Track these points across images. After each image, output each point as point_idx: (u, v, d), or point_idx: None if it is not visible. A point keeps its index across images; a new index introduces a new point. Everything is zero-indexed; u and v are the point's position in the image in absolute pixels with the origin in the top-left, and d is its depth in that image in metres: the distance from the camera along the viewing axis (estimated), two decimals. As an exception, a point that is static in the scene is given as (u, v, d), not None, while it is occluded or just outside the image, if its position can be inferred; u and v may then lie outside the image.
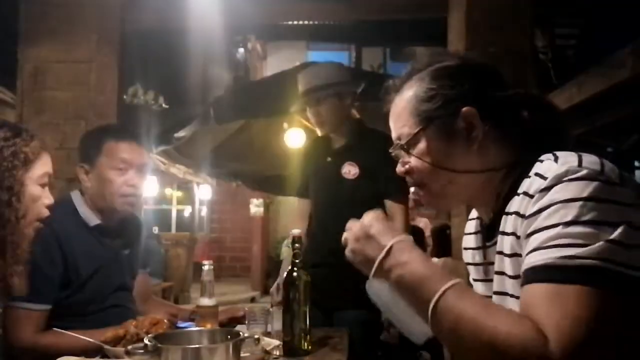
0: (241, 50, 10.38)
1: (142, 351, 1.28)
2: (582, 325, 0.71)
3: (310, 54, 11.94)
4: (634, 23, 5.66)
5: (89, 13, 2.83)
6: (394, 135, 1.02)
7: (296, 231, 1.60)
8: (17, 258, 1.23)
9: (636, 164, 12.50)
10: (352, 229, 0.97)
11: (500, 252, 0.90)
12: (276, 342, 1.56)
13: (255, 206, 10.82)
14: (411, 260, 0.88)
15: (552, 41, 7.18)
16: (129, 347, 1.34)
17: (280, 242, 9.51)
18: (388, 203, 2.29)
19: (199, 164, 6.19)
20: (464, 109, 0.93)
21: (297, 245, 1.56)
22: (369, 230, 0.93)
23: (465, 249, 1.11)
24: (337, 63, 2.57)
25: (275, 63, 10.91)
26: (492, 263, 0.95)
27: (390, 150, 1.04)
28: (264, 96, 4.36)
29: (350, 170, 2.34)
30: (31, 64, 2.79)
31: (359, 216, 0.99)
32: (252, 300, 9.49)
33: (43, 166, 1.33)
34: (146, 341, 1.21)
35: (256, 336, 1.48)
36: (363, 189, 2.31)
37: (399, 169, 1.02)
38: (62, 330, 1.51)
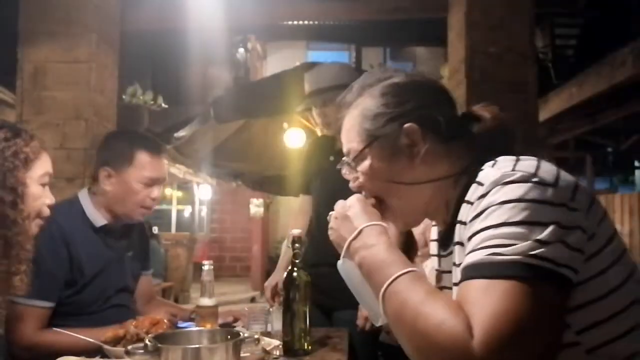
0: (241, 50, 10.38)
1: (142, 351, 1.28)
2: (507, 320, 0.72)
3: (310, 54, 11.95)
4: (634, 23, 5.66)
5: (89, 13, 2.83)
6: (344, 151, 1.06)
7: (296, 231, 1.60)
8: (22, 258, 1.23)
9: (636, 164, 12.51)
10: (336, 207, 1.02)
11: (454, 264, 0.93)
12: (276, 342, 1.55)
13: (255, 206, 10.82)
14: (376, 244, 0.91)
15: (552, 41, 7.18)
16: (129, 347, 1.34)
17: (281, 242, 9.51)
18: None
19: (199, 163, 6.19)
20: (406, 125, 0.96)
21: (297, 245, 1.56)
22: (348, 211, 0.98)
23: (431, 255, 1.14)
24: (343, 64, 2.55)
25: (275, 63, 10.91)
26: (447, 272, 0.98)
27: (337, 167, 1.07)
28: (264, 96, 4.35)
29: None
30: (31, 64, 2.80)
31: None
32: (252, 300, 9.49)
33: (43, 166, 1.33)
34: (146, 341, 1.21)
35: (256, 336, 1.49)
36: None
37: (351, 184, 1.06)
38: (62, 330, 1.51)
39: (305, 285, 1.52)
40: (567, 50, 7.72)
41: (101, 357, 1.44)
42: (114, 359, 1.42)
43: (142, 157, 1.73)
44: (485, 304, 0.74)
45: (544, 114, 5.91)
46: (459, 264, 0.88)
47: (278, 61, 10.78)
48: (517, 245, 0.75)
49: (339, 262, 0.99)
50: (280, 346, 1.52)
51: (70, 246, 1.64)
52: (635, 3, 5.75)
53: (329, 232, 1.02)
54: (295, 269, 1.53)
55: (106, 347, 1.44)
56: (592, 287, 0.80)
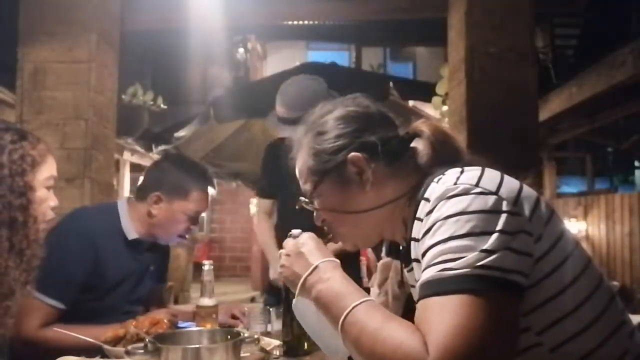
0: (241, 50, 10.38)
1: (142, 351, 1.28)
2: (459, 335, 0.73)
3: (310, 54, 11.95)
4: (634, 23, 5.67)
5: (89, 13, 2.83)
6: (302, 191, 1.08)
7: (296, 231, 1.59)
8: (33, 264, 1.23)
9: (636, 164, 12.52)
10: (287, 245, 1.03)
11: (417, 280, 0.93)
12: (276, 342, 1.55)
13: (256, 206, 10.80)
14: (332, 278, 0.93)
15: (552, 41, 7.18)
16: (129, 347, 1.34)
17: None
18: None
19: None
20: (350, 155, 0.98)
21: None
22: (301, 247, 0.99)
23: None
24: (318, 84, 2.40)
25: (275, 63, 10.91)
26: (412, 286, 1.00)
27: (298, 208, 1.09)
28: (264, 96, 4.35)
29: None
30: (31, 64, 2.80)
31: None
32: (252, 300, 9.48)
33: (49, 169, 1.33)
34: (146, 341, 1.21)
35: (256, 336, 1.48)
36: None
37: (317, 222, 1.08)
38: (62, 330, 1.51)
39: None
40: (567, 50, 7.72)
41: (101, 357, 1.44)
42: (114, 359, 1.42)
43: (196, 194, 1.77)
44: (438, 321, 0.75)
45: (544, 114, 5.91)
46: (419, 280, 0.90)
47: (278, 61, 10.78)
48: (465, 258, 0.76)
49: (294, 302, 1.00)
50: (280, 346, 1.52)
51: (98, 251, 1.65)
52: (635, 3, 5.75)
53: (280, 269, 1.03)
54: (295, 269, 1.53)
55: (106, 347, 1.44)
56: (546, 287, 0.82)
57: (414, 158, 1.01)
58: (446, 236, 0.79)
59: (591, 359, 0.83)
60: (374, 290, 3.37)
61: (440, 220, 0.81)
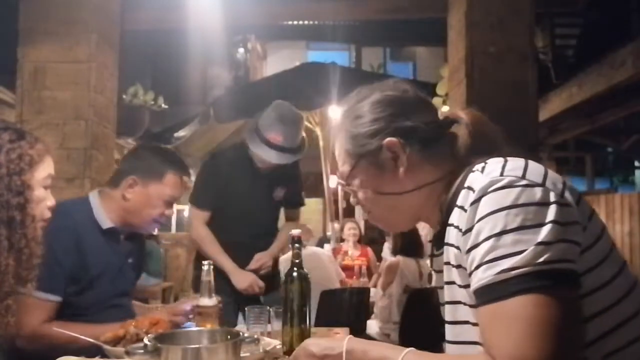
0: (241, 50, 10.38)
1: (142, 351, 1.28)
2: (526, 339, 0.72)
3: (310, 54, 11.96)
4: (634, 23, 5.67)
5: (89, 13, 2.83)
6: (340, 172, 1.10)
7: (296, 231, 1.59)
8: (33, 263, 1.23)
9: (636, 164, 12.51)
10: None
11: (448, 263, 0.93)
12: (276, 342, 1.55)
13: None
14: (366, 348, 0.92)
15: (552, 41, 7.18)
16: (129, 347, 1.34)
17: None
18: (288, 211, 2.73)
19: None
20: (385, 140, 0.99)
21: (297, 245, 1.56)
22: (315, 353, 0.98)
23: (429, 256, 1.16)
24: (299, 121, 2.48)
25: (275, 63, 10.91)
26: (440, 271, 0.99)
27: (337, 187, 1.12)
28: (264, 96, 4.36)
29: (280, 193, 2.55)
30: (31, 64, 2.80)
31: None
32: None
33: (46, 168, 1.33)
34: (146, 341, 1.20)
35: (256, 336, 1.48)
36: (279, 206, 2.68)
37: (352, 201, 1.10)
38: (64, 330, 1.51)
39: (305, 285, 1.52)
40: (567, 50, 7.72)
41: (101, 357, 1.44)
42: (114, 359, 1.42)
43: (171, 177, 1.80)
44: (502, 328, 0.74)
45: (544, 114, 5.91)
46: (456, 265, 0.90)
47: (278, 61, 10.78)
48: (521, 255, 0.75)
49: None
50: (280, 346, 1.52)
51: (79, 243, 1.67)
52: (635, 3, 5.75)
53: None
54: (295, 268, 1.53)
55: (106, 347, 1.44)
56: (587, 281, 0.81)
57: (450, 144, 1.01)
58: (497, 231, 0.78)
59: (614, 357, 0.82)
60: (377, 291, 3.36)
61: (488, 214, 0.79)
